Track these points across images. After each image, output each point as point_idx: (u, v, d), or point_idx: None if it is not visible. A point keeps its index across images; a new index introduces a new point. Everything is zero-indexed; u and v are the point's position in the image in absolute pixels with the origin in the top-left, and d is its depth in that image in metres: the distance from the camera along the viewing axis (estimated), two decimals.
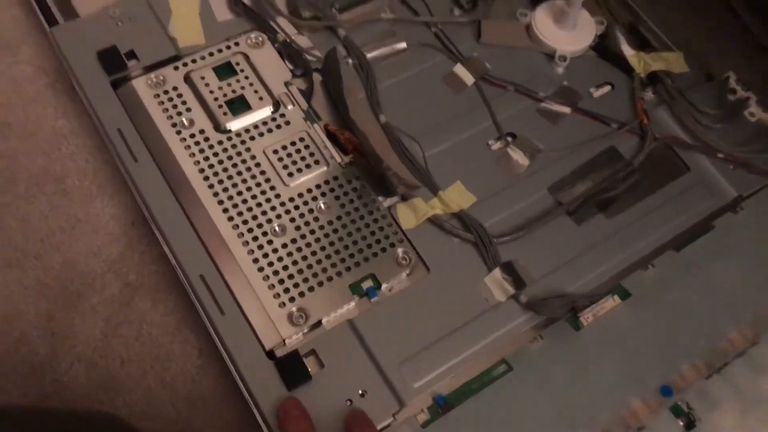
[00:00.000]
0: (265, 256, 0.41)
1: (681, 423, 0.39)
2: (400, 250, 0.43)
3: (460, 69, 0.49)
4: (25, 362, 0.41)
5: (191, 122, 0.45)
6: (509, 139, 0.47)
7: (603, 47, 0.51)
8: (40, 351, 0.41)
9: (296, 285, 0.41)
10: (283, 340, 0.39)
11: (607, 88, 0.50)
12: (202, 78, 0.46)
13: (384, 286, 0.42)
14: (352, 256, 0.42)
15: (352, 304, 0.41)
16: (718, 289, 0.43)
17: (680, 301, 0.43)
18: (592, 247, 0.44)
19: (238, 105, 0.46)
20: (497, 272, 0.42)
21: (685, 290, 0.43)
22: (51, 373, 0.41)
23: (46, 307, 0.42)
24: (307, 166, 0.45)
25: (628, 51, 0.51)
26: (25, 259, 0.43)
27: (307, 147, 0.45)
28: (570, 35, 0.50)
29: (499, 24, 0.51)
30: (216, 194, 0.43)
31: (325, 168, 0.45)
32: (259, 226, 0.42)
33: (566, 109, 0.49)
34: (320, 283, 0.41)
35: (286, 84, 0.47)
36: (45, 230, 0.44)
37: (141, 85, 0.46)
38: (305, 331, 0.40)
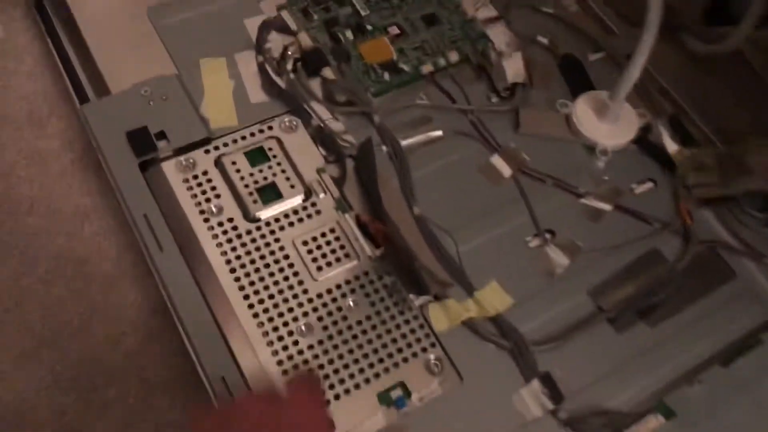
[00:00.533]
0: (290, 358, 0.39)
1: None
2: (432, 356, 0.40)
3: (497, 160, 0.48)
4: None
5: (220, 209, 0.44)
6: (548, 236, 0.45)
7: (645, 141, 0.50)
8: None
9: (322, 393, 0.39)
10: None
11: (649, 185, 0.48)
12: (234, 163, 0.45)
13: (414, 395, 0.39)
14: (381, 361, 0.40)
15: (380, 414, 0.39)
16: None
17: (728, 422, 0.40)
18: (633, 358, 0.42)
19: (269, 193, 0.45)
20: (534, 384, 0.40)
21: (733, 411, 0.40)
22: None
23: (60, 401, 0.40)
24: (337, 259, 0.43)
25: (671, 146, 0.49)
26: (41, 349, 0.42)
27: (337, 239, 0.44)
28: (612, 128, 0.49)
29: (537, 114, 0.50)
30: (242, 288, 0.41)
31: (355, 262, 0.43)
32: (285, 324, 0.40)
33: (607, 206, 0.47)
34: (347, 391, 0.39)
35: (319, 170, 0.46)
36: (63, 317, 0.43)
37: (170, 169, 0.45)
38: None
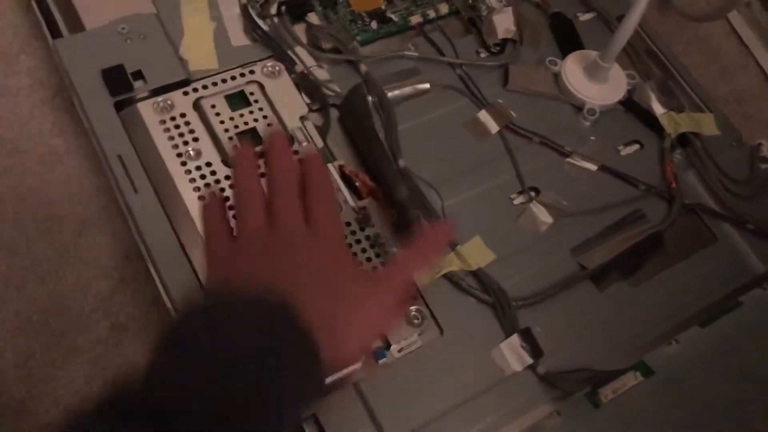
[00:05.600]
0: None
1: None
2: (412, 308, 0.40)
3: (484, 115, 0.47)
4: None
5: (198, 153, 0.42)
6: (532, 194, 0.45)
7: (632, 103, 0.49)
8: (16, 393, 0.38)
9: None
10: None
11: (635, 147, 0.48)
12: (213, 106, 0.44)
13: (393, 346, 0.39)
14: None
15: (359, 364, 0.38)
16: (745, 372, 0.41)
17: (705, 382, 0.40)
18: (614, 316, 0.42)
19: (250, 138, 0.43)
20: (515, 339, 0.40)
21: (710, 371, 0.41)
22: (26, 417, 0.38)
23: (26, 344, 0.39)
24: None
25: (658, 109, 0.49)
26: (6, 291, 0.40)
27: None
28: (600, 88, 0.48)
29: (527, 70, 0.49)
30: None
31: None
32: None
33: (593, 166, 0.46)
34: None
35: (302, 119, 0.45)
36: (30, 259, 0.41)
37: (147, 109, 0.43)
38: None
